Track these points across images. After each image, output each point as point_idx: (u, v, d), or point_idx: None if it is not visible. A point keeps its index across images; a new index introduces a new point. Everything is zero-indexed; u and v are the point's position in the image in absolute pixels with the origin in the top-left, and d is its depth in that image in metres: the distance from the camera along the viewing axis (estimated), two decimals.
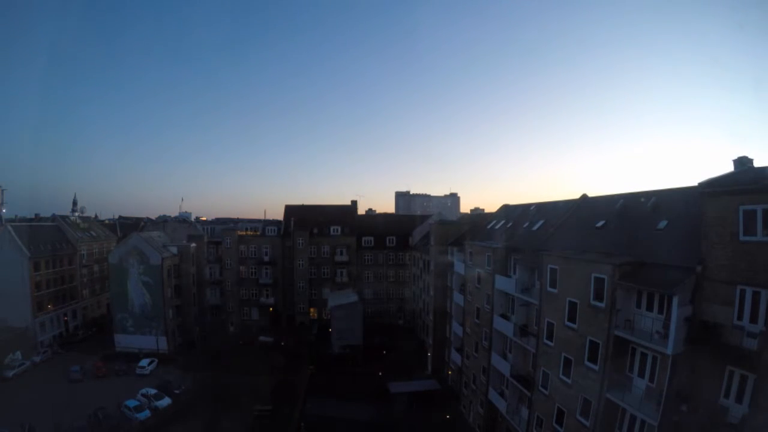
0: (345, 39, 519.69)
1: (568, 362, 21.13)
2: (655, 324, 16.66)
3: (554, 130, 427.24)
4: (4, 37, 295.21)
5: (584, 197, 28.86)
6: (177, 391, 37.45)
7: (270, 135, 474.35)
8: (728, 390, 14.34)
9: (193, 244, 55.37)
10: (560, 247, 24.72)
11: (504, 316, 28.95)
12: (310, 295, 57.86)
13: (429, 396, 37.89)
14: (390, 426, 34.39)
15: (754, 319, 13.74)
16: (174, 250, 52.30)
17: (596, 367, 18.94)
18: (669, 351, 15.38)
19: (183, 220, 72.03)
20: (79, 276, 58.08)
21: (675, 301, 15.30)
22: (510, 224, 35.24)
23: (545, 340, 23.21)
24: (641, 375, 17.56)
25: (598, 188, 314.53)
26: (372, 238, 59.39)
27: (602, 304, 18.77)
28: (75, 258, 57.61)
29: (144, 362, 43.08)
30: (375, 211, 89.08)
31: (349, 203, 64.74)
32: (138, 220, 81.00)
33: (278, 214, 65.32)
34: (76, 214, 68.31)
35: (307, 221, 58.62)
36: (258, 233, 59.47)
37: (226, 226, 62.74)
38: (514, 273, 28.49)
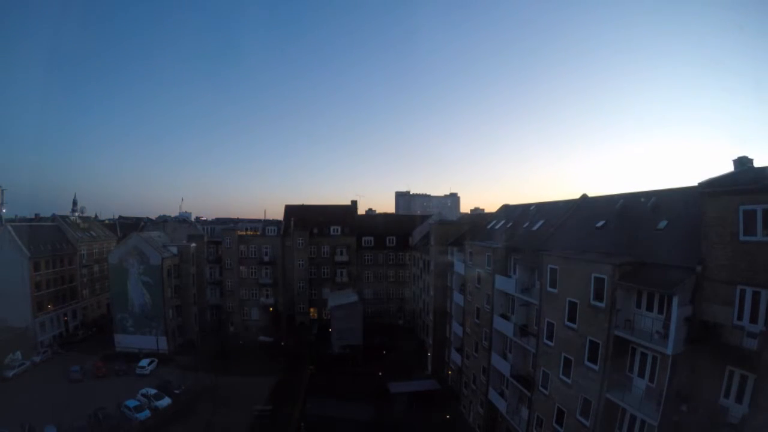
0: (345, 41, 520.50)
1: (568, 362, 21.14)
2: (655, 324, 16.67)
3: (554, 130, 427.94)
4: (4, 38, 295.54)
5: (584, 197, 28.89)
6: (177, 391, 37.47)
7: (270, 135, 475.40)
8: (728, 390, 14.35)
9: (193, 244, 55.42)
10: (560, 247, 24.74)
11: (504, 316, 28.94)
12: (310, 295, 57.79)
13: (429, 396, 37.90)
14: (390, 426, 34.39)
15: (754, 319, 13.75)
16: (174, 250, 52.37)
17: (596, 367, 18.95)
18: (669, 351, 15.38)
19: (183, 220, 72.25)
20: (79, 276, 58.14)
21: (675, 301, 15.31)
22: (510, 224, 35.24)
23: (545, 340, 23.21)
24: (641, 375, 17.56)
25: (598, 188, 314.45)
26: (372, 238, 59.35)
27: (602, 304, 18.77)
28: (75, 258, 57.64)
29: (144, 362, 43.12)
30: (375, 211, 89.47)
31: (349, 203, 64.67)
32: (138, 220, 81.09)
33: (278, 214, 65.41)
34: (76, 214, 68.47)
35: (307, 221, 58.59)
36: (258, 233, 59.38)
37: (226, 226, 62.75)
38: (514, 273, 28.48)
